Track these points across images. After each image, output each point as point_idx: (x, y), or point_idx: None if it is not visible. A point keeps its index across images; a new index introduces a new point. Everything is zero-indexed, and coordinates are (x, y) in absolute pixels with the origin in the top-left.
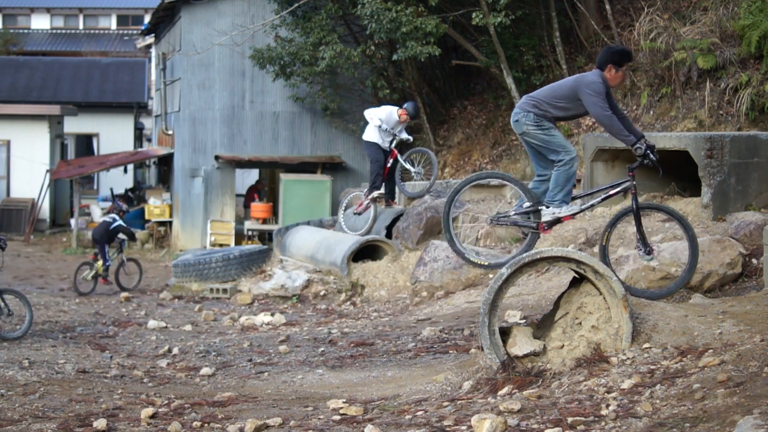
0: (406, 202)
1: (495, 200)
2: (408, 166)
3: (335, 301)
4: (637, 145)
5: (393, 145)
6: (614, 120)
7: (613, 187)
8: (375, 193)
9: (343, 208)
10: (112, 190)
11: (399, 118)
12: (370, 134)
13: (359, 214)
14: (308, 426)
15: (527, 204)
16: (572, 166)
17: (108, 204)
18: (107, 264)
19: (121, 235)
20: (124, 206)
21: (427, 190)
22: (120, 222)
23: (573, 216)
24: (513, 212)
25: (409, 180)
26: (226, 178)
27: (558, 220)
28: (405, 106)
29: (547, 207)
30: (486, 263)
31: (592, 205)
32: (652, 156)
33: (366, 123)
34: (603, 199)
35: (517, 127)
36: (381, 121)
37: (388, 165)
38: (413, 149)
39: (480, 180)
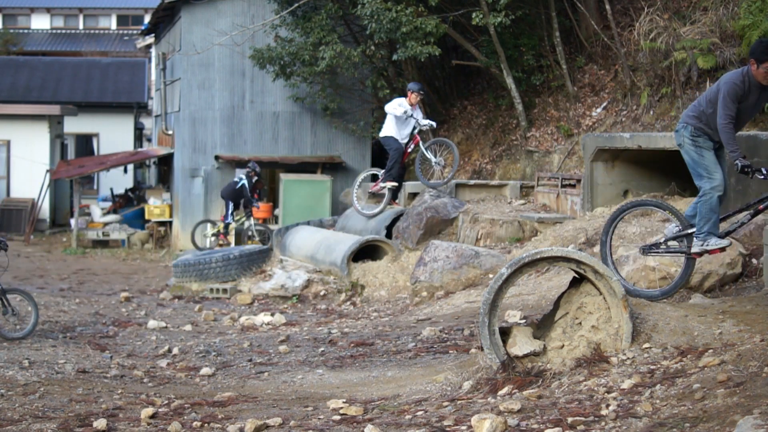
0: (406, 202)
1: (495, 200)
2: (429, 155)
3: (335, 301)
4: (735, 162)
5: (415, 131)
6: (726, 130)
7: (761, 201)
8: (389, 184)
9: (357, 185)
10: (112, 190)
11: (410, 102)
12: (387, 129)
13: (373, 193)
14: (308, 426)
15: (676, 229)
16: (712, 196)
17: (108, 204)
18: (228, 222)
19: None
20: (258, 168)
21: (446, 182)
22: (245, 182)
23: (722, 249)
24: (663, 240)
25: (428, 170)
26: (226, 178)
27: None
28: (408, 87)
29: (696, 238)
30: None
31: (743, 224)
32: (754, 174)
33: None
34: (754, 215)
35: (676, 138)
36: (401, 107)
37: (409, 150)
38: (435, 139)
39: (632, 209)
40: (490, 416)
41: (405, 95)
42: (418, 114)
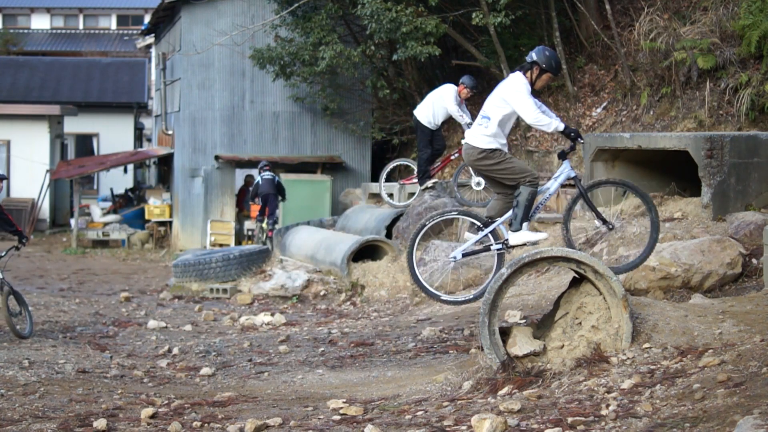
0: (406, 199)
1: None
2: (472, 172)
3: (335, 301)
4: None
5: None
6: None
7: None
8: (429, 183)
9: (384, 178)
10: (112, 190)
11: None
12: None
13: (403, 185)
14: (308, 426)
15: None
16: None
17: (108, 204)
18: (275, 218)
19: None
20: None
21: (487, 203)
22: (279, 179)
23: None
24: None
25: (465, 186)
26: (226, 178)
27: None
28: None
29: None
30: None
31: None
32: None
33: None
34: None
35: None
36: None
37: (452, 157)
38: None
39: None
40: (490, 416)
41: (406, 97)
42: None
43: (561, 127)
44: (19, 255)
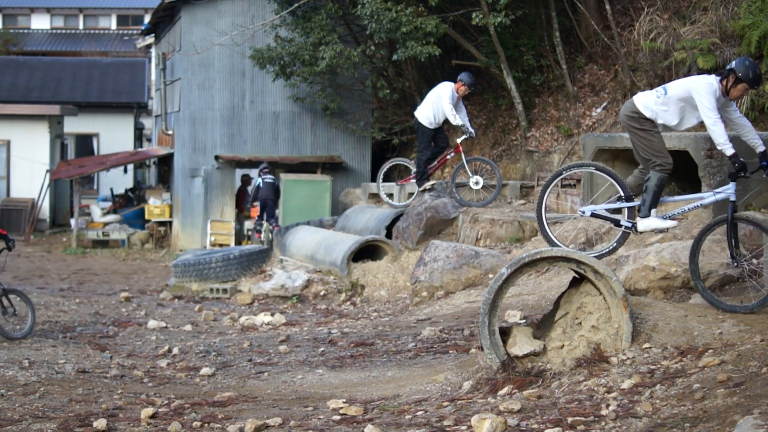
0: (405, 199)
1: (495, 200)
2: (469, 171)
3: (335, 301)
4: None
5: (460, 139)
6: None
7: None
8: (427, 185)
9: (382, 177)
10: (112, 190)
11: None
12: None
13: (401, 186)
14: (308, 426)
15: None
16: None
17: (108, 204)
18: (274, 222)
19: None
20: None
21: (483, 204)
22: (278, 182)
23: None
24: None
25: (464, 186)
26: (226, 178)
27: None
28: (460, 77)
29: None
30: None
31: None
32: None
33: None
34: None
35: None
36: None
37: (448, 156)
38: (476, 157)
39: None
40: (490, 416)
41: (406, 97)
42: (464, 114)
43: (729, 152)
44: (18, 255)
